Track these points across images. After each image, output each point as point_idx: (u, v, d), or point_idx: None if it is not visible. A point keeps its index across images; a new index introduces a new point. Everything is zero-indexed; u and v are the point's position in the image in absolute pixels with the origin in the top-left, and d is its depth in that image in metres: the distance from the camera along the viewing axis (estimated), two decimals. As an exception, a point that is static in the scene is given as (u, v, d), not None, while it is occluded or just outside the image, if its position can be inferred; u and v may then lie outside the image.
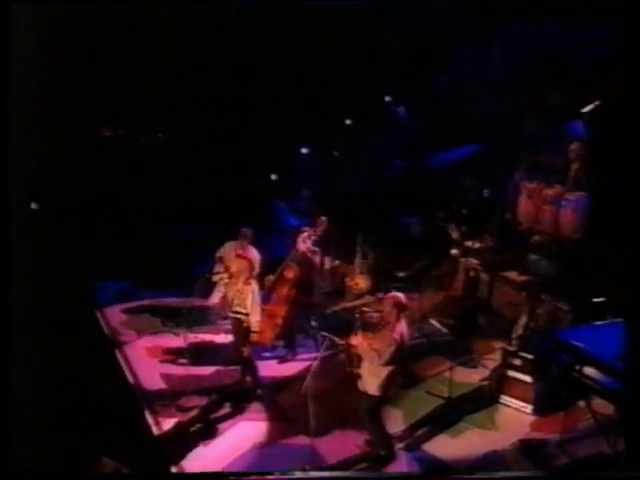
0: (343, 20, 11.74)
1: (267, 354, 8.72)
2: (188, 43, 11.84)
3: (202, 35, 11.89)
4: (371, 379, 6.48)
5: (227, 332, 9.10)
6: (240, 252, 8.10)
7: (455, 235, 10.85)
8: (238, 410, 7.58)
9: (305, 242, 8.69)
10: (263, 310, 8.24)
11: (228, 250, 8.46)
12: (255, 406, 7.65)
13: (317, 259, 8.88)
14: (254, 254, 8.19)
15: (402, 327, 6.42)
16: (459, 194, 11.61)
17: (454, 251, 10.86)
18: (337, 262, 10.95)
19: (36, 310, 8.31)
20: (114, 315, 9.70)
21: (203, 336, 9.00)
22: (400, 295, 6.52)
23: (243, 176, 12.63)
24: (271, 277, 8.61)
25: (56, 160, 11.24)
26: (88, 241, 11.06)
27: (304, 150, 13.21)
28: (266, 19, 11.85)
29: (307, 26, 11.72)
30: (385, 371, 6.42)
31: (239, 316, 7.76)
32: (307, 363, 8.15)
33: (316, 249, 8.84)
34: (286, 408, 7.59)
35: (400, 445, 6.97)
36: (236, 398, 7.73)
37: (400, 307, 6.44)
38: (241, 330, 7.81)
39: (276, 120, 12.54)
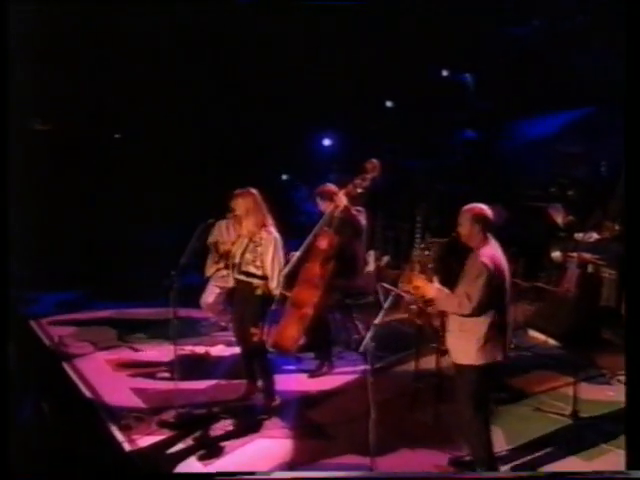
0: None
1: (291, 367, 8.26)
2: (191, 39, 13.68)
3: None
4: (465, 339, 5.80)
5: (226, 344, 9.09)
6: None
7: (560, 220, 10.40)
8: (251, 426, 7.05)
9: (347, 197, 8.12)
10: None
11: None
12: (275, 421, 7.19)
13: (364, 222, 8.31)
14: None
15: (491, 249, 5.85)
16: (563, 169, 11.25)
17: (556, 254, 10.39)
18: (386, 258, 10.50)
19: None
20: (58, 326, 10.25)
21: (193, 348, 9.04)
22: (481, 205, 5.95)
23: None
24: (295, 253, 8.05)
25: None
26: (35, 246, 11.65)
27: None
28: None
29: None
30: (484, 322, 5.75)
31: (250, 279, 7.01)
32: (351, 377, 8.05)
33: (361, 209, 8.30)
34: (324, 424, 7.17)
35: (505, 468, 6.32)
36: (245, 412, 7.33)
37: (484, 221, 5.86)
38: (253, 301, 7.03)
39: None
